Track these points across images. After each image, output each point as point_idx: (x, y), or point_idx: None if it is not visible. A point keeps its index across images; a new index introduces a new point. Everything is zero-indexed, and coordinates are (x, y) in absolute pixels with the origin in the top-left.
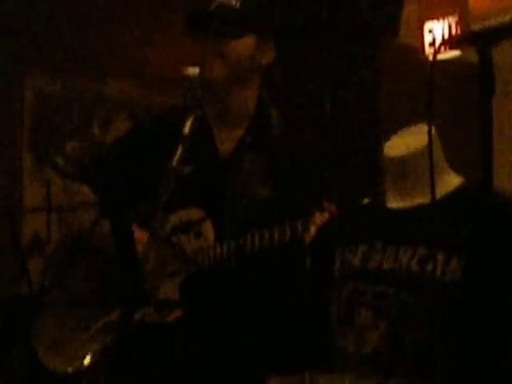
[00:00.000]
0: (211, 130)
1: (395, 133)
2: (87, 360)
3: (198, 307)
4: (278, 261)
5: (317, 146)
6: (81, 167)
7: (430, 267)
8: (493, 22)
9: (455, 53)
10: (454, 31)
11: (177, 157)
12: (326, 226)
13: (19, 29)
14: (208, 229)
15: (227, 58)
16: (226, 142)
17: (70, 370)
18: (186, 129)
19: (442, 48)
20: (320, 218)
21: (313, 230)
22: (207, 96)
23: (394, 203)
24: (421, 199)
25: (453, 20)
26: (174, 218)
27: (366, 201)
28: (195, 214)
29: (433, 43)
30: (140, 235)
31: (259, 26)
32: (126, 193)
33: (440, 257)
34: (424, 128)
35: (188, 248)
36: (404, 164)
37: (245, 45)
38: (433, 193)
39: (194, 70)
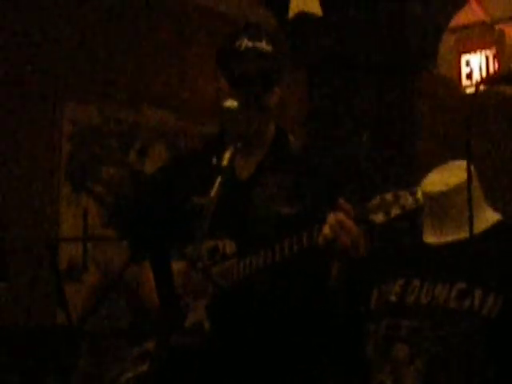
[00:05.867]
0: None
1: (432, 168)
2: None
3: (225, 327)
4: (299, 269)
5: (337, 163)
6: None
7: (467, 303)
8: None
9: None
10: (491, 64)
11: (215, 189)
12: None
13: (57, 59)
14: (232, 250)
15: (267, 111)
16: (245, 167)
17: None
18: (225, 161)
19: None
20: (333, 218)
21: (326, 229)
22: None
23: (431, 238)
24: (459, 235)
25: (490, 53)
26: (203, 247)
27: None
28: (220, 240)
29: (470, 75)
30: (179, 267)
31: (293, 66)
32: (160, 228)
33: (478, 292)
34: (462, 164)
35: (214, 270)
36: (442, 200)
37: (279, 92)
38: (471, 228)
39: (232, 103)
